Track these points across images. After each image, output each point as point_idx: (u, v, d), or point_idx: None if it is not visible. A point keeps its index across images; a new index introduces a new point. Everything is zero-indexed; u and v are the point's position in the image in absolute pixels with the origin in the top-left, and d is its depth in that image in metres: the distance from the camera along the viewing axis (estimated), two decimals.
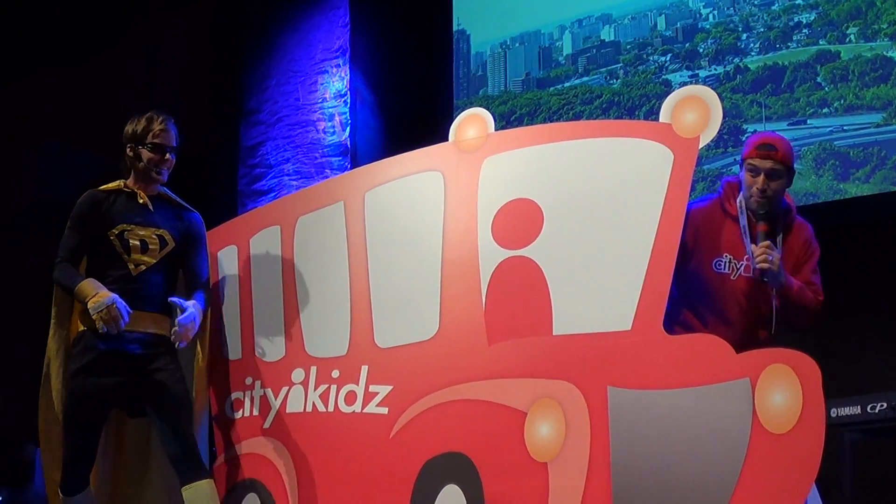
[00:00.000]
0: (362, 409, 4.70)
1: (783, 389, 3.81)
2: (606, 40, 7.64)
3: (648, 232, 4.19)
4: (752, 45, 7.02)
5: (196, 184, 8.31)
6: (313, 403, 4.86)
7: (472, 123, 4.80)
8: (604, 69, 7.57)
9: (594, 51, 7.66)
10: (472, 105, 7.31)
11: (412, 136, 6.97)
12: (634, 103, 7.30)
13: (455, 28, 8.27)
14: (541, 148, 4.59)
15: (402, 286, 4.72)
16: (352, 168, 7.25)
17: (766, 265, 4.35)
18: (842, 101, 6.57)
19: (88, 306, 4.63)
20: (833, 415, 5.12)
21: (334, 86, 7.78)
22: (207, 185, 8.17)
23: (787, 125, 6.65)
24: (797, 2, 6.95)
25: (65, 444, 4.81)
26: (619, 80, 7.45)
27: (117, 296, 4.67)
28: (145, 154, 4.88)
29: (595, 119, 7.25)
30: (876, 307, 6.31)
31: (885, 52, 6.54)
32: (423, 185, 4.81)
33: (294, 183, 7.60)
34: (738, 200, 4.58)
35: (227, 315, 5.27)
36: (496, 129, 4.83)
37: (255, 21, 8.38)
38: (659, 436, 3.99)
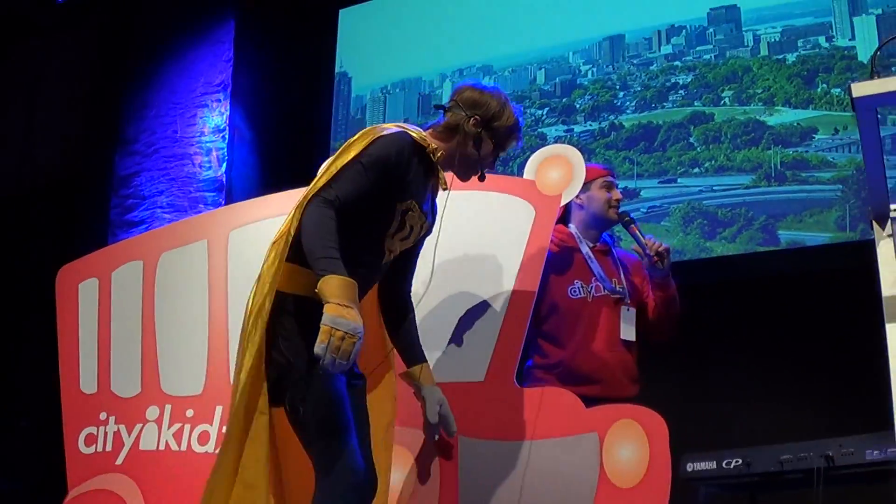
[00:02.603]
0: (215, 449, 4.65)
1: (630, 445, 3.86)
2: None
3: (507, 285, 4.25)
4: (628, 103, 7.14)
5: (67, 211, 8.26)
6: (167, 442, 4.81)
7: None
8: None
9: None
10: None
11: (288, 175, 6.99)
12: (509, 154, 7.35)
13: (337, 70, 8.32)
14: None
15: None
16: (226, 204, 7.23)
17: (663, 247, 4.78)
18: (713, 162, 6.70)
19: (331, 315, 3.25)
20: (689, 469, 5.18)
21: (213, 120, 7.76)
22: (79, 212, 8.09)
23: (658, 183, 6.77)
24: (675, 63, 7.10)
25: (339, 452, 3.45)
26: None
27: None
28: (487, 146, 3.79)
29: None
30: (736, 366, 6.41)
31: (757, 117, 6.69)
32: None
33: (167, 216, 7.54)
34: (573, 233, 4.84)
35: (84, 348, 5.18)
36: None
37: (140, 49, 8.33)
38: (507, 486, 4.02)
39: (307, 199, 3.54)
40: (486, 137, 3.78)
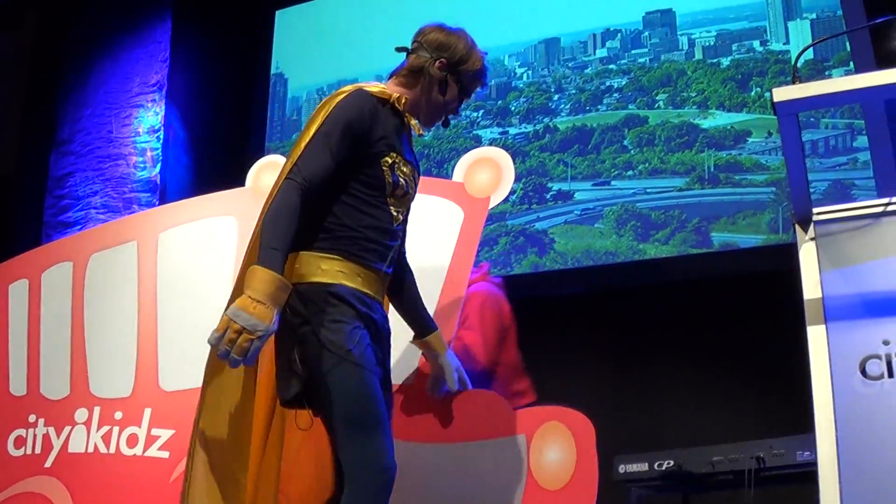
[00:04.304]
0: (143, 452, 4.64)
1: (557, 447, 3.87)
2: None
3: (435, 289, 4.24)
4: (562, 105, 7.17)
5: (1, 211, 8.18)
6: (95, 444, 4.78)
7: (269, 170, 4.81)
8: (416, 120, 7.65)
9: None
10: (284, 148, 7.35)
11: (223, 176, 6.96)
12: (444, 156, 7.39)
13: (273, 71, 8.31)
14: None
15: (188, 329, 4.67)
16: (160, 205, 7.20)
17: None
18: (646, 165, 6.74)
19: (235, 307, 3.10)
20: (621, 471, 5.21)
21: (148, 120, 7.72)
22: (13, 212, 8.02)
23: (592, 185, 6.80)
24: (610, 66, 7.14)
25: (372, 434, 3.27)
26: (430, 133, 7.53)
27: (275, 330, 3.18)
28: (453, 90, 3.61)
29: None
30: (668, 367, 6.45)
31: (691, 120, 6.74)
32: (217, 230, 4.80)
33: (101, 216, 7.48)
34: None
35: (14, 350, 5.14)
36: None
37: (76, 48, 8.28)
38: (435, 489, 4.01)
39: (280, 181, 3.35)
40: (451, 81, 3.60)
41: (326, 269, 3.33)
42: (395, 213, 3.48)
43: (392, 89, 3.55)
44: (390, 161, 3.43)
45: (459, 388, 3.89)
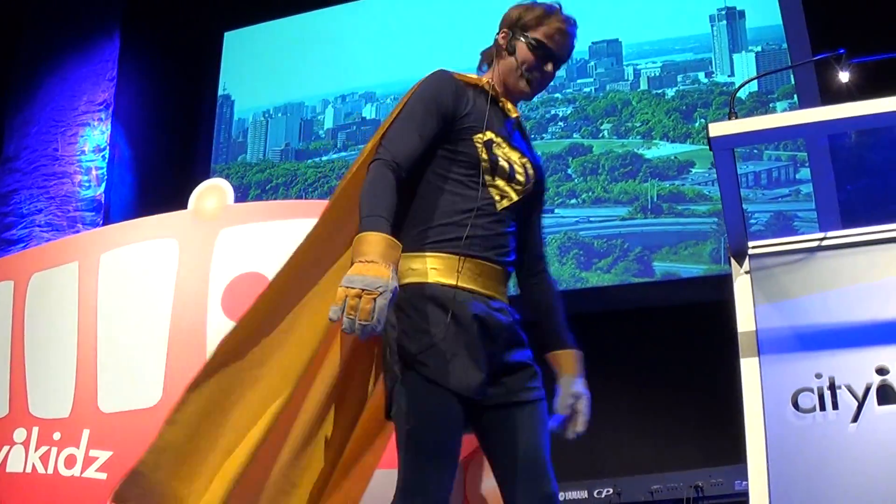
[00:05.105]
0: (81, 473, 4.63)
1: (490, 475, 3.88)
2: (367, 118, 7.74)
3: None
4: None
5: None
6: (33, 464, 4.76)
7: (211, 194, 4.83)
8: (362, 145, 7.65)
9: (354, 127, 7.77)
10: (229, 170, 7.34)
11: (167, 196, 6.94)
12: None
13: (220, 92, 8.30)
14: (274, 224, 4.65)
15: (129, 351, 4.68)
16: (104, 224, 7.18)
17: None
18: (590, 193, 6.78)
19: (347, 275, 2.82)
20: (562, 498, 5.23)
21: (94, 139, 7.70)
22: None
23: None
24: (555, 95, 7.17)
25: (422, 464, 2.93)
26: None
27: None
28: (522, 49, 3.28)
29: None
30: (608, 395, 6.46)
31: (635, 150, 6.79)
32: (158, 252, 4.80)
33: (45, 235, 7.45)
34: None
35: None
36: (251, 199, 4.87)
37: (24, 66, 8.25)
38: None
39: (358, 163, 3.18)
40: (517, 42, 3.30)
41: (417, 269, 3.08)
42: (497, 197, 3.19)
43: (478, 77, 3.37)
44: (484, 138, 3.19)
45: (562, 417, 3.36)
